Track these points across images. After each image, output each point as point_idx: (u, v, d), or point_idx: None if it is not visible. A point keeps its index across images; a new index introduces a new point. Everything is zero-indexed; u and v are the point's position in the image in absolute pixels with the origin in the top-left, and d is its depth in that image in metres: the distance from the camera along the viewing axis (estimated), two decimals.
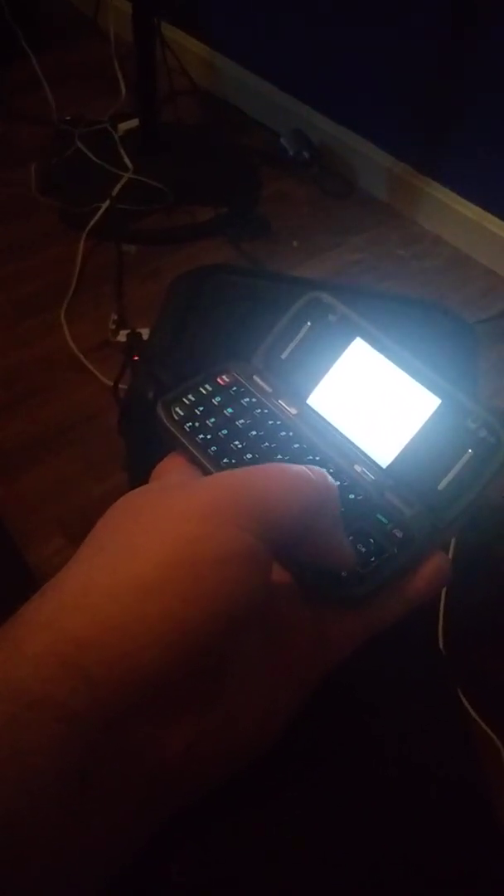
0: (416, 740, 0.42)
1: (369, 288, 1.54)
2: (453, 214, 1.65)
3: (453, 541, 0.95)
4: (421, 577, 0.35)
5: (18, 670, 0.25)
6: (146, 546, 0.28)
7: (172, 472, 0.37)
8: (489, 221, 1.60)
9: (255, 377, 0.41)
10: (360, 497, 0.37)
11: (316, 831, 0.36)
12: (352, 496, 0.37)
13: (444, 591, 0.96)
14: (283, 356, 0.41)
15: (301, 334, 0.41)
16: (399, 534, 0.35)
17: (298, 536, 0.30)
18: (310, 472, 0.31)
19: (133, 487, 0.33)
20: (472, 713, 0.92)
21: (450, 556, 0.37)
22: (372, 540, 0.35)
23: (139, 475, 0.32)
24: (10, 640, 0.26)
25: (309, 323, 0.41)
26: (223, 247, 1.62)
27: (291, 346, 0.41)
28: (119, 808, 0.26)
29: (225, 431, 0.38)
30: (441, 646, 0.92)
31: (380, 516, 0.36)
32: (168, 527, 0.28)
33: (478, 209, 1.62)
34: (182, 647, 0.26)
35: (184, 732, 0.28)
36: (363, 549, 0.34)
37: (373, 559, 0.34)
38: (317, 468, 0.32)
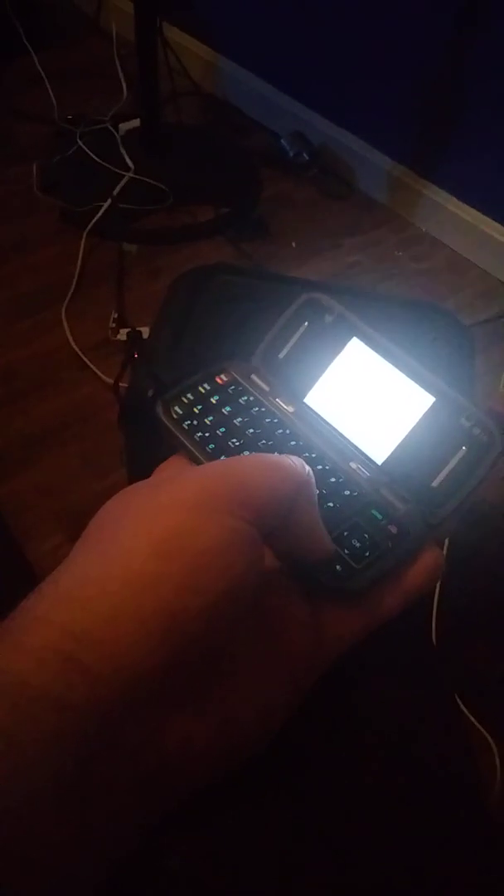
0: (410, 736, 0.43)
1: (367, 289, 1.55)
2: (451, 217, 1.66)
3: (447, 540, 0.95)
4: (416, 572, 0.35)
5: (17, 663, 0.24)
6: (138, 539, 0.28)
7: (168, 469, 0.38)
8: (486, 225, 1.61)
9: (252, 376, 0.42)
10: (355, 493, 0.37)
11: (312, 824, 0.37)
12: (346, 492, 0.37)
13: (437, 588, 0.97)
14: (281, 356, 0.42)
15: (298, 334, 0.42)
16: (393, 529, 0.35)
17: (280, 522, 0.30)
18: (287, 459, 0.31)
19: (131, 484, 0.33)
20: (465, 710, 0.93)
21: (444, 554, 0.38)
22: (366, 535, 0.35)
23: (137, 472, 0.33)
24: (9, 634, 0.26)
25: (306, 323, 0.42)
26: (223, 247, 1.62)
27: (289, 345, 0.42)
28: (116, 803, 0.25)
29: (223, 429, 0.39)
30: (434, 642, 0.93)
31: (374, 512, 0.36)
32: (159, 519, 0.28)
33: (475, 212, 1.63)
34: (177, 639, 0.26)
35: (181, 727, 0.27)
36: (357, 544, 0.34)
37: (367, 554, 0.34)
38: (294, 456, 0.32)
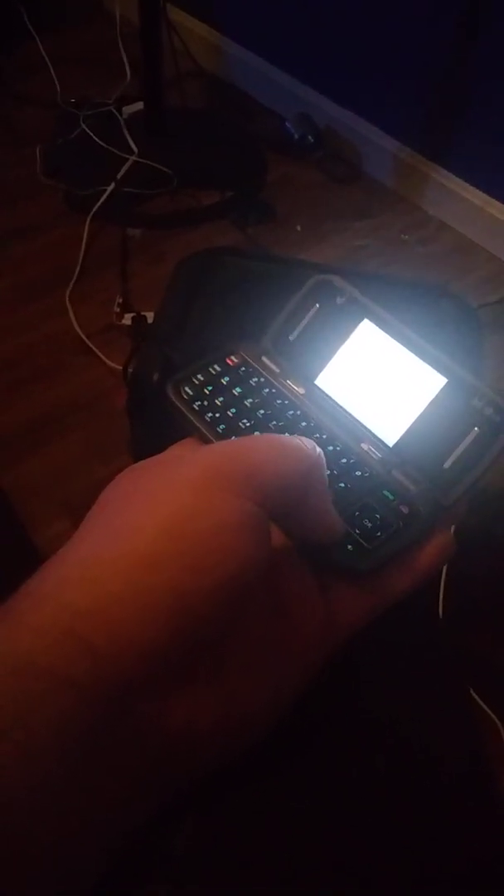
0: (417, 722, 0.43)
1: (374, 273, 1.54)
2: (458, 200, 1.64)
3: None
4: (427, 553, 0.35)
5: (23, 642, 0.24)
6: (146, 518, 0.28)
7: (179, 448, 0.37)
8: (494, 208, 1.60)
9: (263, 358, 0.42)
10: (367, 474, 0.37)
11: (318, 808, 0.37)
12: (358, 473, 0.37)
13: (444, 570, 0.96)
14: (292, 337, 0.42)
15: (309, 316, 0.42)
16: (405, 509, 0.35)
17: (290, 504, 0.30)
18: (300, 441, 0.31)
19: None
20: (473, 694, 0.93)
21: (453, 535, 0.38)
22: (378, 515, 0.35)
23: (143, 456, 0.33)
24: (14, 613, 0.25)
25: (318, 305, 0.41)
26: (228, 231, 1.61)
27: (300, 327, 0.42)
28: (121, 784, 0.25)
29: (233, 410, 0.39)
30: (442, 625, 0.92)
31: (386, 492, 0.36)
32: (166, 498, 0.28)
33: (483, 195, 1.61)
34: (185, 620, 0.26)
35: (187, 709, 0.27)
36: (368, 524, 0.35)
37: (378, 534, 0.34)
38: (306, 438, 0.32)
